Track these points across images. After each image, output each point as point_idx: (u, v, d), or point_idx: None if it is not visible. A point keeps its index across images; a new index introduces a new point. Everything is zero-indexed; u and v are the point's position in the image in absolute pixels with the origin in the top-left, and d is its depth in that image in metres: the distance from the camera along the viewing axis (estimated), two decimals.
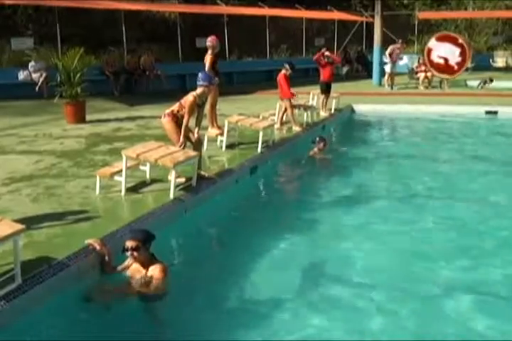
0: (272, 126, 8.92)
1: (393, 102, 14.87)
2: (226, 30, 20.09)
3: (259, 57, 22.91)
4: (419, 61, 18.91)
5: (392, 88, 18.02)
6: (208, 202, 6.24)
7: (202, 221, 5.95)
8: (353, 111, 14.51)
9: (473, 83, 18.71)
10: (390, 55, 18.12)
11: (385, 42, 20.44)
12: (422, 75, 18.36)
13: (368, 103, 14.92)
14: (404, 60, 18.86)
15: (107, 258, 4.40)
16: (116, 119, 11.94)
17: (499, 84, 18.17)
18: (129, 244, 4.19)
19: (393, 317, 4.12)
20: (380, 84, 19.09)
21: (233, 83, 19.26)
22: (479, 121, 13.37)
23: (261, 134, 8.30)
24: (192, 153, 6.26)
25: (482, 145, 10.79)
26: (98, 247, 4.42)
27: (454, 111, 13.83)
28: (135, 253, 4.18)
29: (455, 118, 13.37)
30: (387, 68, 18.28)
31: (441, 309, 4.23)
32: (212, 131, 8.91)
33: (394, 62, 18.08)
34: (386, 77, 18.37)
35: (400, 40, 19.26)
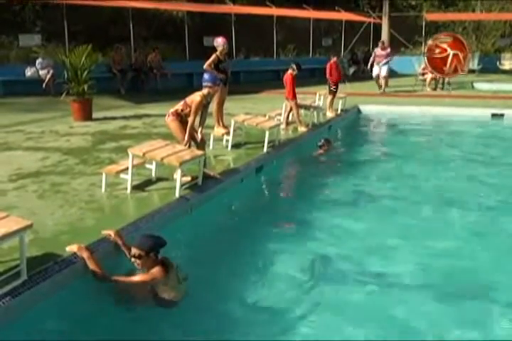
0: (278, 126, 8.93)
1: (400, 103, 14.84)
2: (233, 29, 20.13)
3: (266, 57, 22.97)
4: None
5: (379, 90, 17.33)
6: (213, 201, 6.25)
7: (207, 219, 5.96)
8: (359, 111, 14.48)
9: (480, 85, 18.67)
10: (374, 57, 17.43)
11: (393, 44, 20.49)
12: (428, 77, 18.31)
13: (375, 104, 14.89)
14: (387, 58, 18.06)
15: (122, 247, 4.54)
16: (123, 117, 11.97)
17: (506, 86, 18.13)
18: (133, 251, 4.23)
19: (401, 317, 4.13)
20: (387, 85, 19.03)
21: (240, 82, 19.27)
22: (485, 123, 13.31)
23: (267, 134, 8.31)
24: (198, 152, 6.27)
25: (488, 148, 10.75)
26: (112, 236, 4.58)
27: (460, 113, 13.78)
28: (138, 261, 4.21)
29: (461, 121, 13.30)
30: (374, 71, 17.42)
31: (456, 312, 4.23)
32: (219, 130, 8.92)
33: (379, 64, 17.16)
34: (376, 79, 17.59)
35: (382, 40, 18.25)
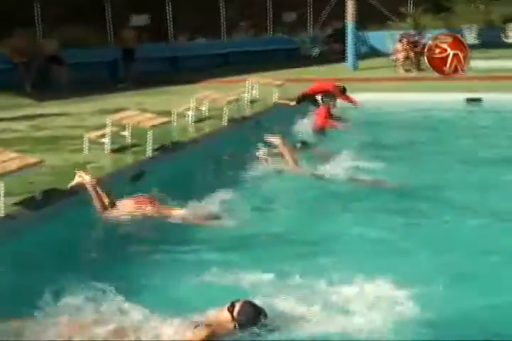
0: (167, 123, 8.93)
1: (364, 89, 14.85)
2: (170, 6, 20.08)
3: (214, 38, 22.74)
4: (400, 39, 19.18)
5: None
6: None
7: None
8: None
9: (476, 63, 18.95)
10: None
11: (371, 18, 20.60)
12: (401, 56, 18.55)
13: None
14: None
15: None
16: (11, 118, 11.78)
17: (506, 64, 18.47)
18: None
19: (393, 315, 4.24)
20: (355, 67, 19.22)
21: (178, 70, 19.25)
22: (460, 110, 13.42)
23: (150, 134, 8.30)
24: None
25: (464, 136, 11.04)
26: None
27: (434, 98, 14.01)
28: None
29: (434, 107, 13.44)
30: None
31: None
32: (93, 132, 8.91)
33: None
34: None
35: None
